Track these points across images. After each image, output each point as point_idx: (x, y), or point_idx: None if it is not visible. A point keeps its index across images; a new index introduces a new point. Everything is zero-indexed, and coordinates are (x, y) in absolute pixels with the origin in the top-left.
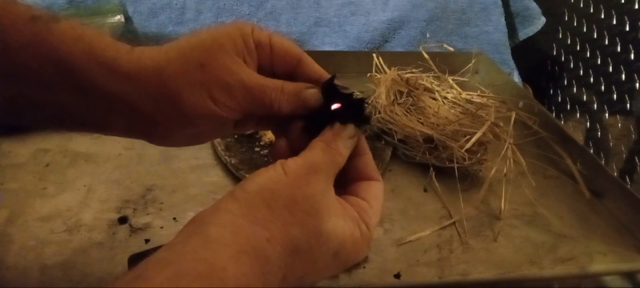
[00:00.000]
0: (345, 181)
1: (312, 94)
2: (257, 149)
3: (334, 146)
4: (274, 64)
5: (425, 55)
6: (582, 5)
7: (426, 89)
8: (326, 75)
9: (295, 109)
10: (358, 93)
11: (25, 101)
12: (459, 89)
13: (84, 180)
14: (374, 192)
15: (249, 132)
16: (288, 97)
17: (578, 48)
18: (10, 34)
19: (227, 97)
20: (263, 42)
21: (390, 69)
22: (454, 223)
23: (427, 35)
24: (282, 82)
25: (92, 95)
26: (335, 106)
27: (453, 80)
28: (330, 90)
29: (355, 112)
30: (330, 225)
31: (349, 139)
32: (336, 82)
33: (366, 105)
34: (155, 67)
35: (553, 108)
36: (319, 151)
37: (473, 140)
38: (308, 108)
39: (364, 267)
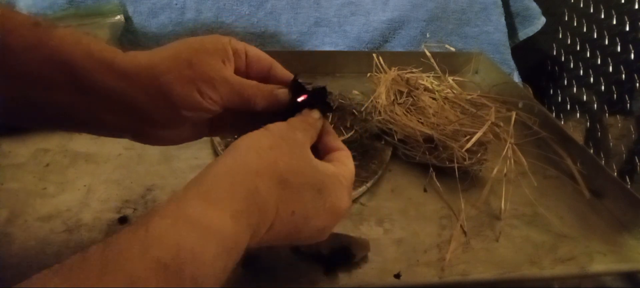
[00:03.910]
0: (318, 158)
1: (282, 92)
2: None
3: (307, 119)
4: (249, 68)
5: (428, 54)
6: (582, 5)
7: (426, 89)
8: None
9: (269, 104)
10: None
11: (27, 102)
12: (459, 89)
13: (84, 180)
14: (343, 156)
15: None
16: (262, 94)
17: (578, 48)
18: (14, 37)
19: (212, 91)
20: (239, 50)
21: (390, 69)
22: (454, 223)
23: (427, 35)
24: (257, 83)
25: (91, 93)
26: (301, 98)
27: (453, 80)
28: (296, 88)
29: (320, 99)
30: (313, 162)
31: (317, 119)
32: (300, 80)
33: (328, 93)
34: (148, 65)
35: (553, 108)
36: (296, 119)
37: (473, 140)
38: (280, 103)
39: (364, 267)
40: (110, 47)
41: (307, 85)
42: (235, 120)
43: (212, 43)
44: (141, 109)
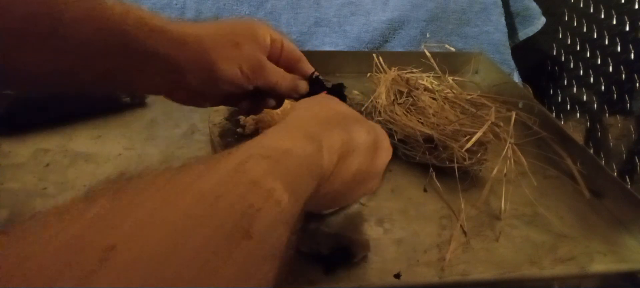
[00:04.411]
0: None
1: (303, 83)
2: None
3: None
4: (281, 58)
5: (428, 54)
6: (582, 5)
7: (426, 89)
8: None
9: (290, 91)
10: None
11: (77, 69)
12: (459, 89)
13: (84, 180)
14: None
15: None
16: (286, 81)
17: (578, 48)
18: (63, 10)
19: (250, 71)
20: (277, 40)
21: (390, 69)
22: (454, 223)
23: (427, 35)
24: (284, 71)
25: (140, 57)
26: (322, 93)
27: (453, 80)
28: (315, 82)
29: (337, 94)
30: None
31: None
32: (320, 77)
33: (344, 88)
34: (196, 36)
35: (553, 108)
36: None
37: (473, 140)
38: (299, 92)
39: (364, 267)
40: (156, 15)
41: (326, 82)
42: (249, 96)
43: (255, 29)
44: (183, 74)
